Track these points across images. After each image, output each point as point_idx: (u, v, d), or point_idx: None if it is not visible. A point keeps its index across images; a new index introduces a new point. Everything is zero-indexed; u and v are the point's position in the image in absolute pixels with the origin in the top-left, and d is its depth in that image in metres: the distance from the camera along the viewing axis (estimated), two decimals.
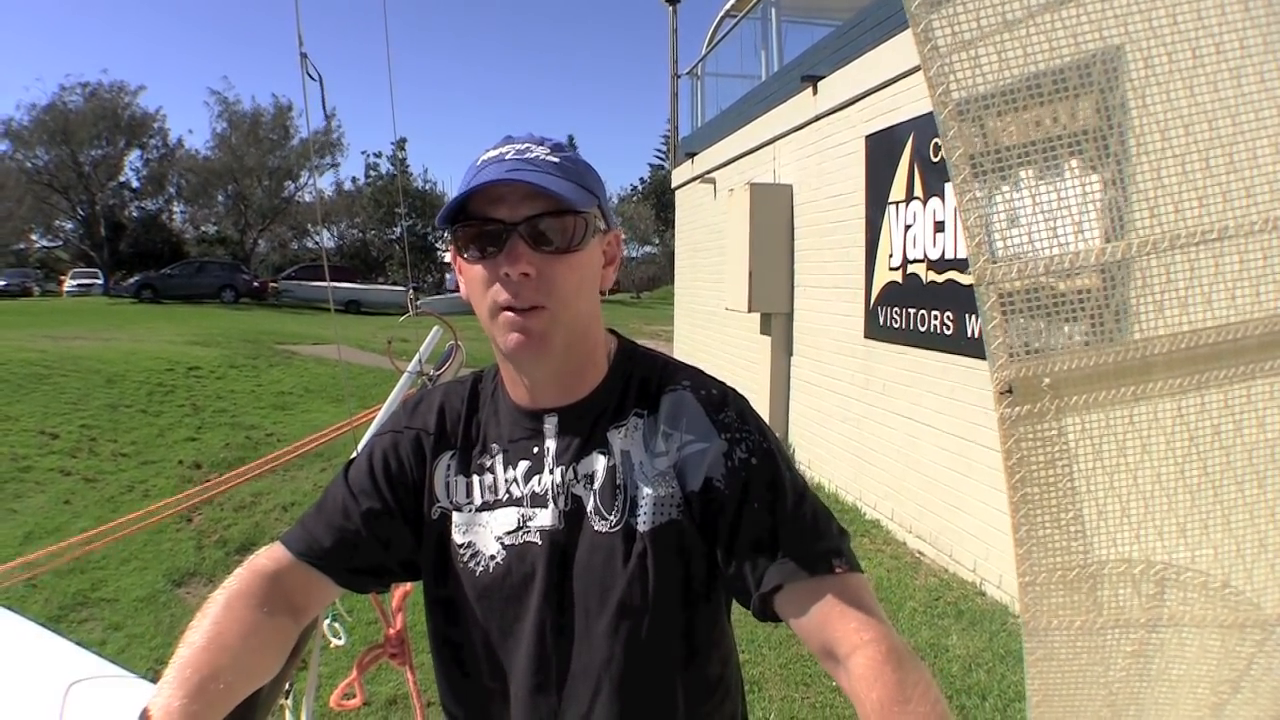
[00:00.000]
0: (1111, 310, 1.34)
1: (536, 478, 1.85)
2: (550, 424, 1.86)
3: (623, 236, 1.92)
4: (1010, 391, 1.37)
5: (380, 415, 2.99)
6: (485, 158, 1.75)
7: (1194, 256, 1.32)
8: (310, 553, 1.89)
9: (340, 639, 2.81)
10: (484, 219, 1.69)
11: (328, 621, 2.72)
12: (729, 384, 1.92)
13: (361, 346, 25.72)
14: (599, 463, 1.82)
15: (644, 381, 1.90)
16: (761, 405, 13.40)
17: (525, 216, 1.66)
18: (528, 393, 1.88)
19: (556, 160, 1.73)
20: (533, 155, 1.72)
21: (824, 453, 12.14)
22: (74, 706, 1.63)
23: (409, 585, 2.72)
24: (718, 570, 1.80)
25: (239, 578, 1.86)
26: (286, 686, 2.24)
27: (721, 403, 1.84)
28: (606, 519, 1.78)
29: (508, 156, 1.72)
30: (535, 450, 1.87)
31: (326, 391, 20.38)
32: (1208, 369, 1.33)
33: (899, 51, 9.41)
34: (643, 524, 1.76)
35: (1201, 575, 1.41)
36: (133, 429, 15.83)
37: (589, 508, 1.80)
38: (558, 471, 1.83)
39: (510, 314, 1.71)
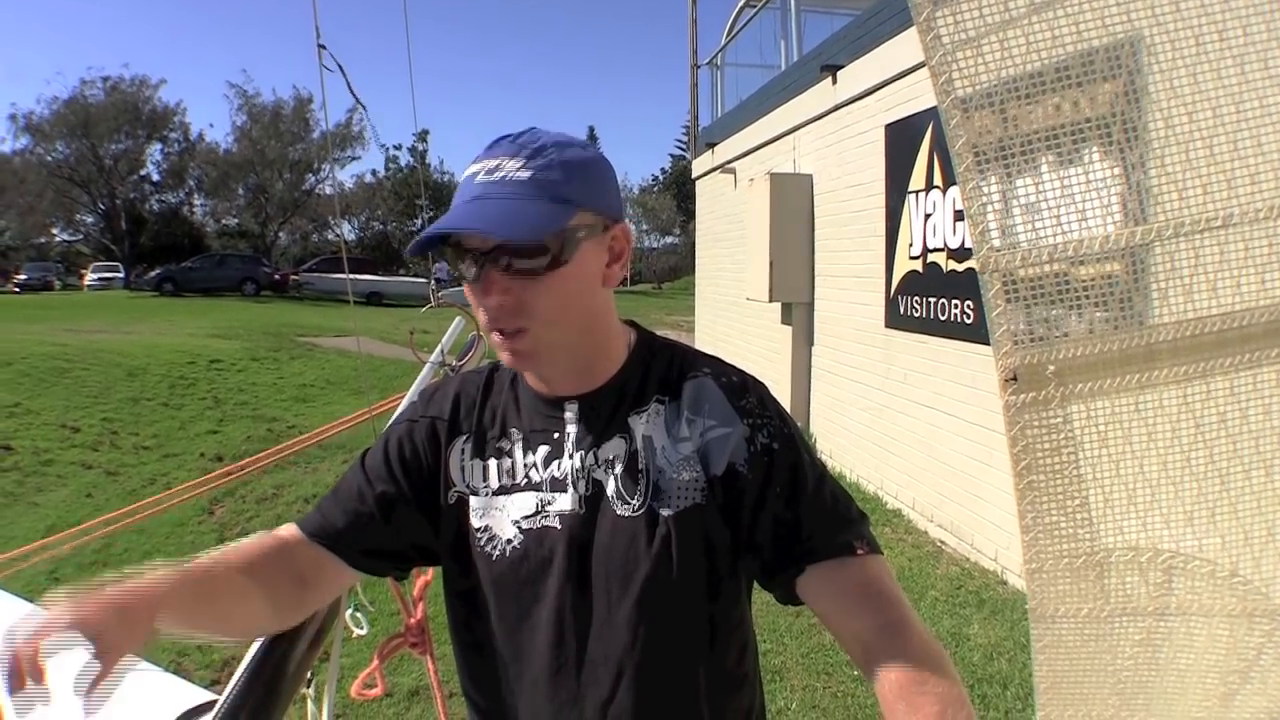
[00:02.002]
0: (1116, 297, 1.34)
1: (556, 462, 1.85)
2: (571, 410, 1.86)
3: (632, 229, 1.90)
4: (1015, 379, 1.38)
5: (401, 406, 3.01)
6: (466, 173, 1.72)
7: (1199, 244, 1.31)
8: (322, 533, 1.93)
9: (362, 629, 2.82)
10: (456, 246, 1.69)
11: (350, 611, 2.73)
12: (748, 372, 1.92)
13: (383, 338, 25.75)
14: (620, 447, 1.82)
15: (665, 369, 1.90)
16: (783, 395, 13.38)
17: (495, 245, 1.64)
18: (545, 384, 1.89)
19: (527, 176, 1.67)
20: (501, 175, 1.67)
21: (845, 442, 12.12)
22: (98, 700, 1.64)
23: (429, 574, 2.72)
24: (739, 555, 1.81)
25: (256, 536, 1.92)
26: (308, 676, 2.25)
27: (742, 389, 1.85)
28: (629, 503, 1.78)
29: (478, 178, 1.68)
30: (555, 435, 1.87)
31: (348, 383, 20.44)
32: (1213, 356, 1.33)
33: (918, 41, 9.35)
34: (666, 508, 1.76)
35: (1209, 564, 1.41)
36: (154, 422, 15.92)
37: (610, 492, 1.80)
38: (578, 456, 1.83)
39: (498, 335, 1.72)
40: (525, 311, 1.68)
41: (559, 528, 1.81)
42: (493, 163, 1.69)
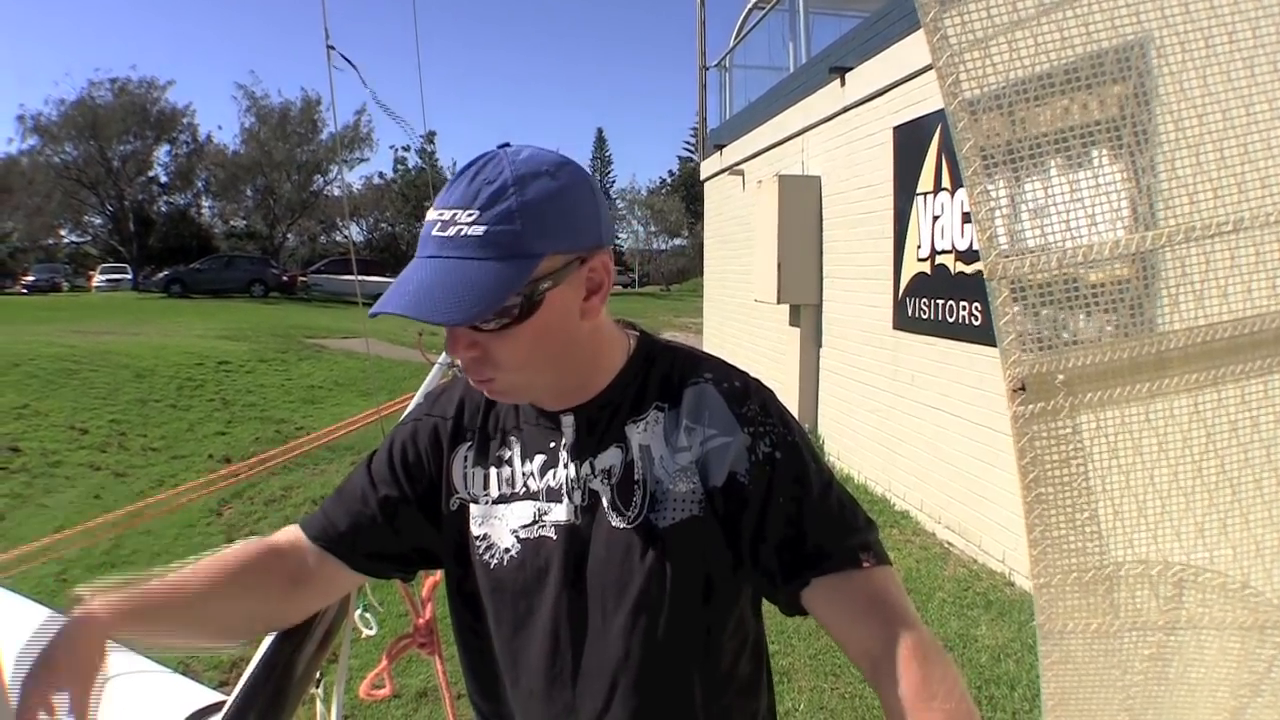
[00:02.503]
0: (1127, 304, 1.33)
1: (552, 472, 1.84)
2: (567, 420, 1.84)
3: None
4: (1023, 389, 1.36)
5: (410, 407, 3.00)
6: (428, 216, 1.67)
7: (1209, 249, 1.30)
8: (324, 536, 1.93)
9: (371, 629, 2.82)
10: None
11: (359, 612, 2.73)
12: (753, 375, 1.89)
13: (392, 340, 25.78)
14: (617, 458, 1.81)
15: (665, 375, 1.87)
16: (791, 396, 13.40)
17: None
18: (537, 401, 1.88)
19: (480, 232, 1.58)
20: (456, 230, 1.60)
21: (853, 444, 12.12)
22: (109, 701, 1.65)
23: (438, 575, 2.72)
24: (741, 565, 1.79)
25: (243, 542, 1.95)
26: (316, 676, 2.25)
27: (744, 395, 1.82)
28: (624, 515, 1.77)
29: (434, 232, 1.62)
30: (552, 445, 1.86)
31: (356, 385, 20.49)
32: (1224, 364, 1.31)
33: (926, 43, 9.35)
34: (662, 520, 1.75)
35: (1220, 576, 1.39)
36: (162, 423, 15.95)
37: (605, 503, 1.79)
38: (573, 466, 1.82)
39: (474, 378, 1.72)
40: (491, 363, 1.66)
41: (555, 538, 1.81)
42: (448, 214, 1.61)
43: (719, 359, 1.93)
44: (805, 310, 13.72)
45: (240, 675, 1.94)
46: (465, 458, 1.93)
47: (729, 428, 1.77)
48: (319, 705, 2.49)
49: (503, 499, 1.87)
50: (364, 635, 2.81)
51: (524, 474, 1.87)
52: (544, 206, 1.61)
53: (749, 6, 20.39)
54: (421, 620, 2.77)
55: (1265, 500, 1.35)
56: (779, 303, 13.83)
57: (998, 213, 1.34)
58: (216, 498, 11.00)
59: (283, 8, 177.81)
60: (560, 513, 1.81)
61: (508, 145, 1.70)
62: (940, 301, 9.40)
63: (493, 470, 1.90)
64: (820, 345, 13.54)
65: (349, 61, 3.14)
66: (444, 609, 2.39)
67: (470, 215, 1.59)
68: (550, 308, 1.64)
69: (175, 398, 17.88)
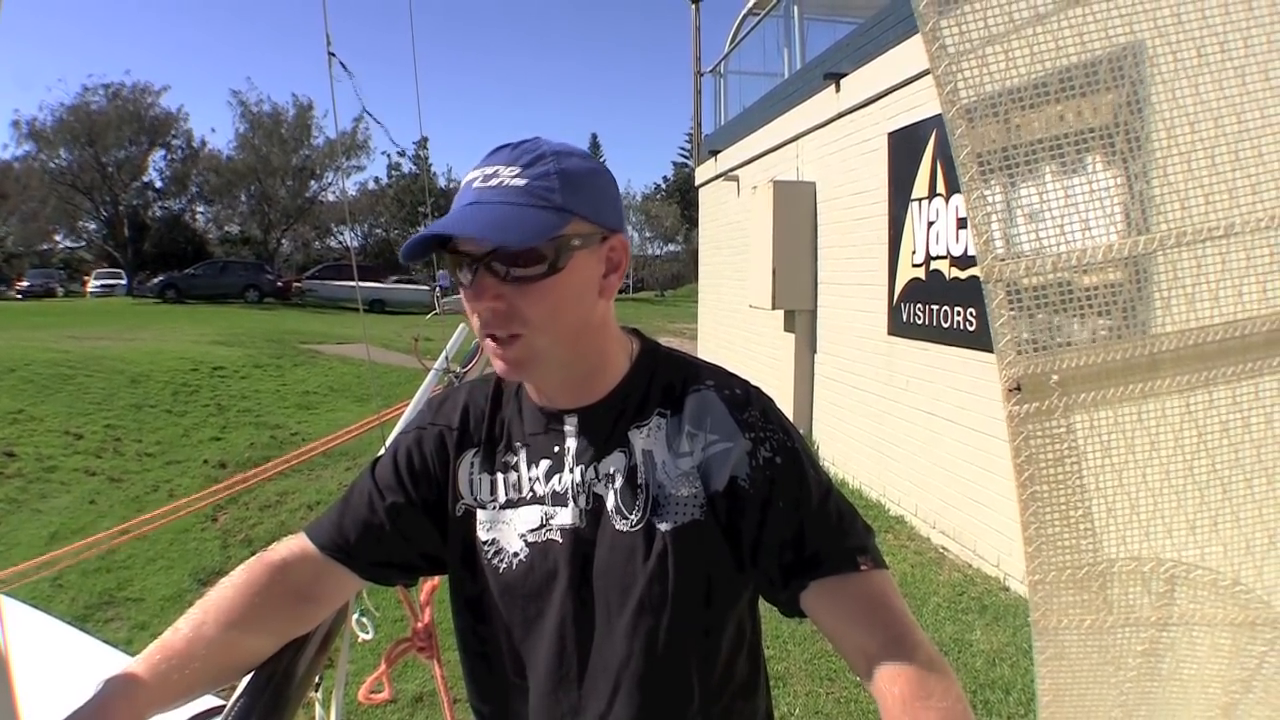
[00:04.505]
0: (1119, 307, 1.35)
1: (557, 476, 1.85)
2: (570, 424, 1.86)
3: (635, 237, 1.90)
4: (1019, 389, 1.38)
5: (406, 413, 3.01)
6: (465, 179, 1.73)
7: (1201, 253, 1.32)
8: (333, 545, 1.93)
9: (369, 634, 2.82)
10: (452, 252, 1.69)
11: (356, 617, 2.74)
12: (752, 382, 1.91)
13: (386, 346, 25.76)
14: (620, 462, 1.82)
15: (667, 381, 1.89)
16: (785, 402, 13.39)
17: (489, 250, 1.65)
18: (545, 395, 1.89)
19: (522, 184, 1.67)
20: (497, 182, 1.67)
21: (847, 449, 12.12)
22: None
23: (436, 579, 2.72)
24: (741, 569, 1.80)
25: (246, 568, 1.92)
26: (316, 680, 2.25)
27: (745, 402, 1.84)
28: (627, 518, 1.78)
29: (475, 184, 1.68)
30: (556, 449, 1.86)
31: (351, 390, 20.46)
32: (1215, 365, 1.33)
33: (921, 49, 9.28)
34: (664, 523, 1.76)
35: (1211, 573, 1.41)
36: (157, 429, 15.93)
37: (609, 506, 1.80)
38: (578, 470, 1.83)
39: (491, 342, 1.72)
40: (518, 317, 1.68)
41: (561, 541, 1.82)
42: (489, 170, 1.70)
43: (719, 366, 1.95)
44: (800, 316, 13.73)
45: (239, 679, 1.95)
46: (471, 464, 1.93)
47: (730, 433, 1.79)
48: (318, 709, 2.50)
49: (510, 504, 1.88)
50: (361, 640, 2.82)
51: (530, 479, 1.87)
52: (578, 177, 1.70)
53: (744, 12, 20.40)
54: (420, 624, 2.77)
55: (1255, 499, 1.37)
56: (774, 308, 13.82)
57: (994, 217, 1.36)
58: (211, 503, 10.99)
59: (278, 12, 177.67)
60: (566, 516, 1.82)
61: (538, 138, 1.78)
62: (935, 307, 9.41)
63: (499, 476, 1.91)
64: (815, 351, 13.54)
65: (345, 69, 3.15)
66: (441, 613, 2.40)
67: (513, 171, 1.68)
68: (574, 272, 1.70)
69: (170, 403, 17.85)
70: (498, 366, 1.77)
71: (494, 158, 1.72)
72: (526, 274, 1.65)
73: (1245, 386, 1.34)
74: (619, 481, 1.80)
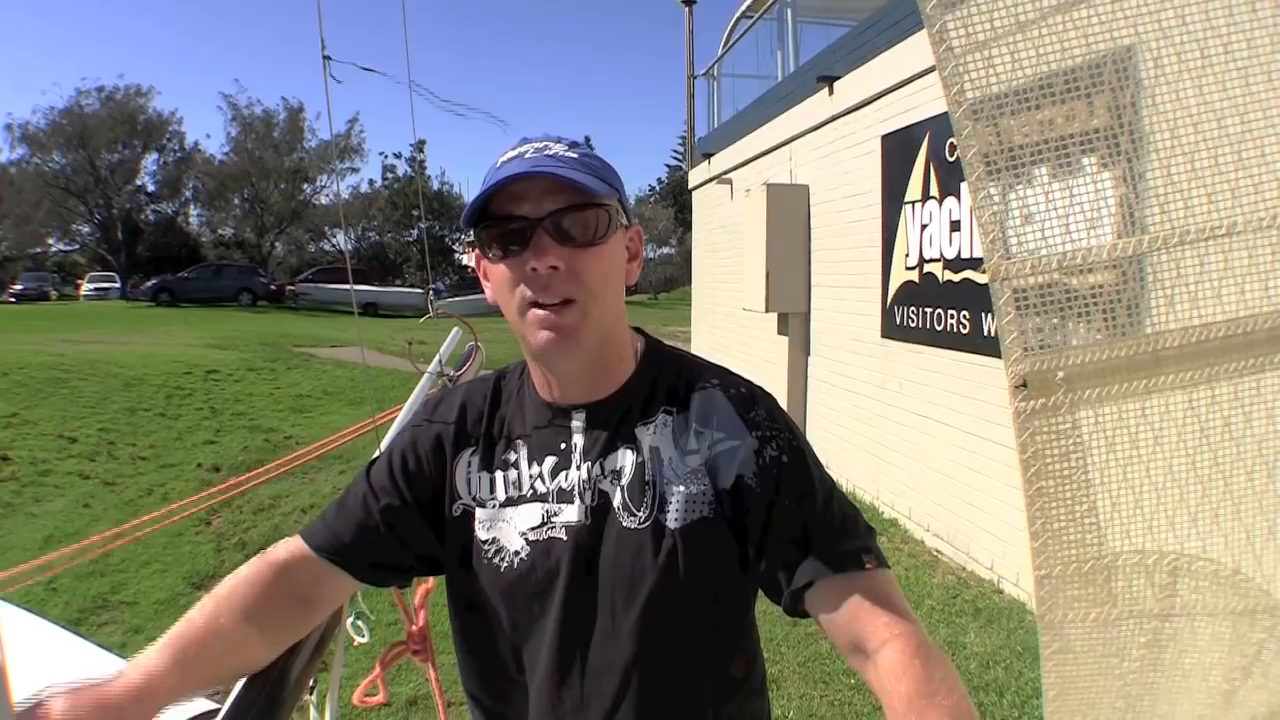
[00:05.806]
0: (1124, 305, 1.36)
1: (563, 474, 1.85)
2: (578, 420, 1.87)
3: (642, 234, 1.93)
4: (1025, 385, 1.39)
5: (401, 416, 3.01)
6: (505, 158, 1.76)
7: (1203, 252, 1.33)
8: (329, 547, 1.93)
9: (364, 637, 2.82)
10: (508, 216, 1.70)
11: (350, 620, 2.74)
12: (756, 383, 1.93)
13: (380, 349, 25.70)
14: (627, 459, 1.82)
15: (673, 379, 1.90)
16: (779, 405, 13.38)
17: (549, 211, 1.67)
18: (556, 389, 1.89)
19: (575, 155, 1.74)
20: (552, 152, 1.73)
21: (842, 452, 12.12)
22: None
23: (430, 582, 2.72)
24: (747, 567, 1.81)
25: (250, 565, 1.94)
26: (310, 684, 2.26)
27: (751, 401, 1.85)
28: (635, 515, 1.78)
29: (527, 155, 1.72)
30: (563, 446, 1.87)
31: (345, 394, 20.44)
32: (1218, 362, 1.35)
33: (915, 51, 9.40)
34: (673, 521, 1.76)
35: (1213, 564, 1.42)
36: (151, 432, 15.89)
37: (616, 504, 1.80)
38: (585, 467, 1.84)
39: (539, 310, 1.72)
40: (575, 281, 1.71)
41: (565, 539, 1.82)
42: (539, 144, 1.76)
43: (721, 366, 1.97)
44: (794, 319, 13.73)
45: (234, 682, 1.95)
46: (469, 463, 1.94)
47: (737, 432, 1.80)
48: (313, 712, 2.50)
49: (510, 502, 1.88)
50: (356, 643, 2.82)
51: (531, 476, 1.87)
52: (608, 166, 1.81)
53: (737, 15, 20.43)
54: (415, 627, 2.77)
55: (1256, 492, 1.38)
56: (767, 311, 13.84)
57: (1001, 217, 1.37)
58: (206, 507, 10.97)
59: (271, 14, 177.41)
60: (571, 513, 1.82)
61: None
62: (929, 310, 9.43)
63: (499, 474, 1.91)
64: (809, 354, 13.56)
65: (337, 74, 3.15)
66: (436, 616, 2.41)
67: (564, 146, 1.76)
68: (615, 246, 1.78)
69: (164, 406, 17.80)
70: (543, 338, 1.75)
71: (533, 139, 1.79)
72: (583, 238, 1.70)
73: (1247, 382, 1.35)
74: (626, 478, 1.81)
